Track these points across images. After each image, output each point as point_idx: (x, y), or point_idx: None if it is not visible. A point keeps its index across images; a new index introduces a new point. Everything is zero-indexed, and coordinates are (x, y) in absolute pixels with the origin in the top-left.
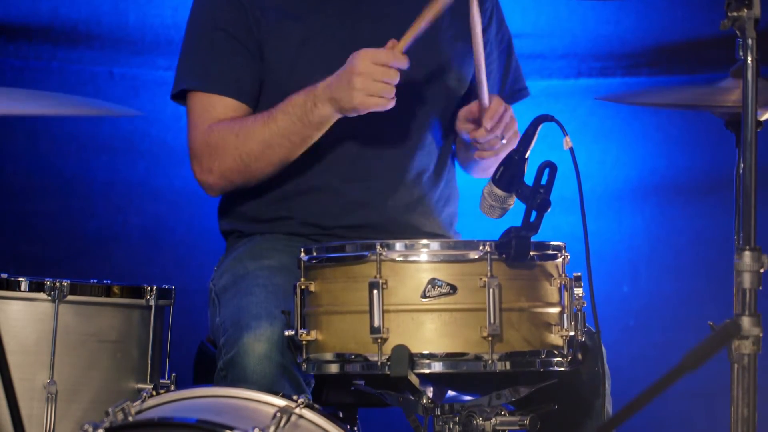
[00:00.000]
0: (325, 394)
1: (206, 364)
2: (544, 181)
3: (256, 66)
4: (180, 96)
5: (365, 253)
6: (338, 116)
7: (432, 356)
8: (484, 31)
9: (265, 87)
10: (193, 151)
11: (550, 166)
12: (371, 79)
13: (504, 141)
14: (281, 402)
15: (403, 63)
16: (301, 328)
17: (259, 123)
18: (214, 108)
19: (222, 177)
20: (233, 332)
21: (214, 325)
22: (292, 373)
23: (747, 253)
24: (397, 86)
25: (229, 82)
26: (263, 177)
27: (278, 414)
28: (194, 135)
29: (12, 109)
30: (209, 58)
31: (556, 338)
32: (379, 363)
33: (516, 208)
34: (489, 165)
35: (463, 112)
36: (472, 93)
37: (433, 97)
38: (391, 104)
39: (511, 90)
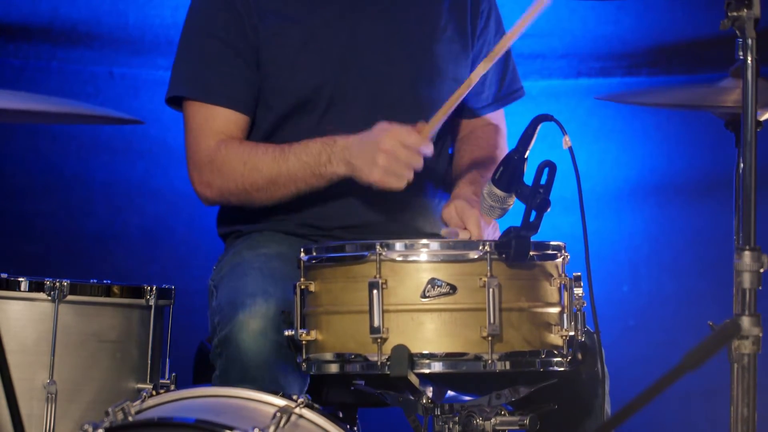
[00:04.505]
0: (325, 394)
1: (206, 364)
2: (543, 181)
3: (251, 75)
4: (174, 100)
5: (365, 253)
6: (349, 176)
7: (432, 356)
8: (481, 32)
9: (265, 91)
10: (193, 161)
11: (550, 166)
12: (395, 159)
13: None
14: (281, 402)
15: (429, 150)
16: (301, 328)
17: (269, 158)
18: (215, 119)
19: (220, 195)
20: (228, 311)
21: (211, 310)
22: (287, 350)
23: (747, 253)
24: (395, 87)
25: (228, 94)
26: (261, 205)
27: (278, 414)
28: (196, 147)
29: (11, 105)
30: (206, 67)
31: (555, 338)
32: (378, 363)
33: (516, 208)
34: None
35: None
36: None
37: (429, 98)
38: (406, 183)
39: (507, 91)
